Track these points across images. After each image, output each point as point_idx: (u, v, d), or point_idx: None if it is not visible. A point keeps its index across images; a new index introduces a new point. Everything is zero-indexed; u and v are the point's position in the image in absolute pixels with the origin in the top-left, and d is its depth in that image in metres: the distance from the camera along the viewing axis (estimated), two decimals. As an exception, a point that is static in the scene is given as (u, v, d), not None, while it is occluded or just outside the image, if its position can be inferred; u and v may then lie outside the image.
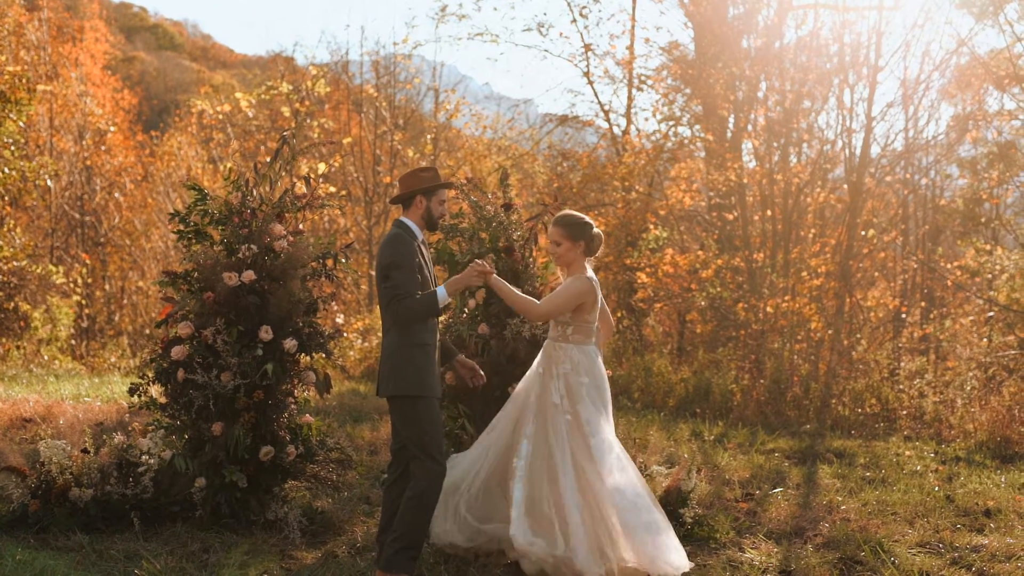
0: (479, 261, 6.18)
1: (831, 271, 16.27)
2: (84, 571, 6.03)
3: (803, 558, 6.85)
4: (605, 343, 6.79)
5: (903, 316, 17.66)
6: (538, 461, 6.32)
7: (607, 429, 6.41)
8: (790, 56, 17.40)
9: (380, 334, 6.94)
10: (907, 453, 11.40)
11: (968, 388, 14.01)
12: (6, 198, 18.46)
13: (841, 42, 16.53)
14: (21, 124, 16.45)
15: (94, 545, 6.49)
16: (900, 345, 16.54)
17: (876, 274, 19.14)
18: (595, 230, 6.56)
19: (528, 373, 6.63)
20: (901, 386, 14.49)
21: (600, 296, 6.59)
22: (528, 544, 6.08)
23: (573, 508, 6.15)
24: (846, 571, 6.68)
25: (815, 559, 6.81)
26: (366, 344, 18.52)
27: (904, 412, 13.74)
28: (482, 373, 6.68)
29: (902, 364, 15.47)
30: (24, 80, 16.01)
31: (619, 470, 6.30)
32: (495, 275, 6.25)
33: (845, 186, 16.92)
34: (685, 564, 6.27)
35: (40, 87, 19.74)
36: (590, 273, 6.52)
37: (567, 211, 6.70)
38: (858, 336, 16.53)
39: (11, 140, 16.18)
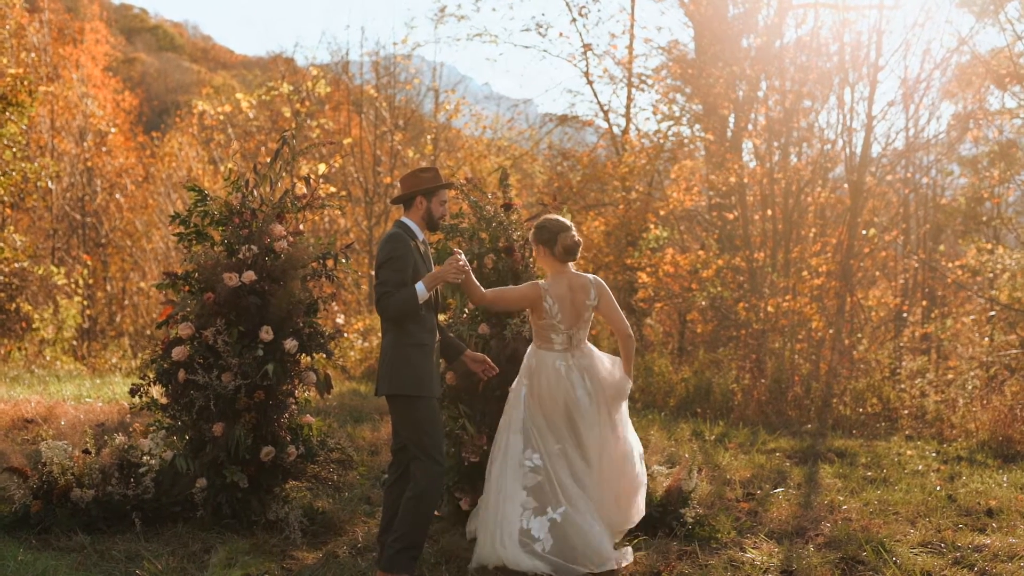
0: (458, 253, 6.21)
1: (832, 270, 16.27)
2: (86, 572, 6.04)
3: (805, 558, 6.85)
4: (624, 350, 6.76)
5: (904, 315, 17.66)
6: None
7: (518, 437, 6.54)
8: (790, 55, 17.40)
9: (380, 334, 6.93)
10: (909, 453, 11.40)
11: (970, 387, 14.01)
12: (7, 200, 18.49)
13: (841, 41, 16.53)
14: (23, 126, 16.45)
15: (96, 546, 6.49)
16: (901, 344, 16.54)
17: (877, 273, 19.14)
18: (559, 235, 6.58)
19: None
20: (902, 385, 14.49)
21: (586, 302, 6.64)
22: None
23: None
24: (848, 571, 6.67)
25: (817, 559, 6.81)
26: (367, 344, 18.53)
27: (905, 412, 13.74)
28: (493, 364, 6.72)
29: (903, 363, 15.47)
30: (25, 83, 16.01)
31: (513, 476, 6.47)
32: (470, 273, 6.36)
33: (846, 185, 16.91)
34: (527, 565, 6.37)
35: (41, 89, 19.75)
36: (559, 279, 6.63)
37: (547, 215, 6.77)
38: (859, 335, 16.53)
39: (12, 142, 16.19)
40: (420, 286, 6.04)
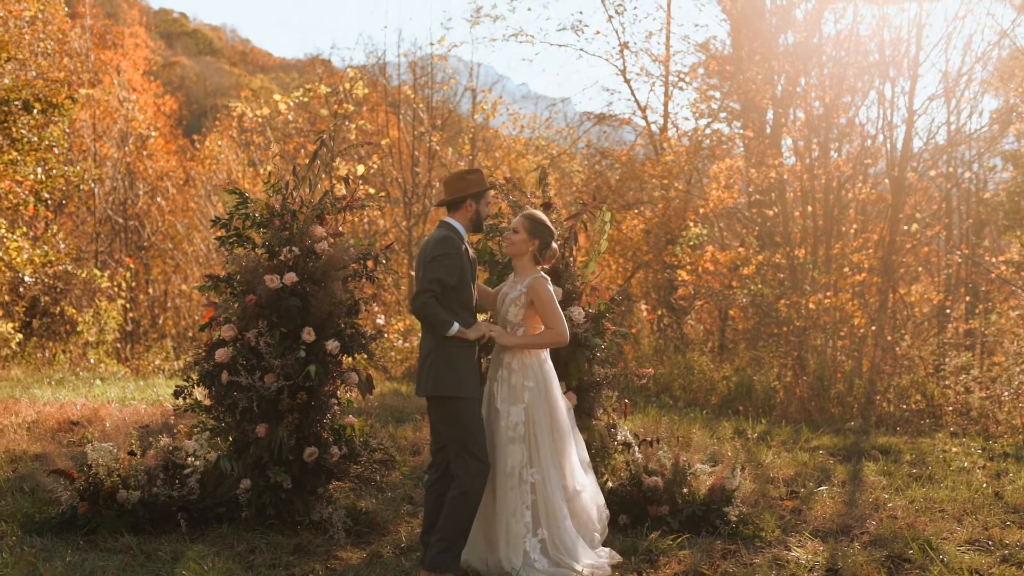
0: (492, 327, 6.26)
1: (874, 266, 16.13)
2: (132, 572, 6.09)
3: (850, 556, 6.79)
4: None
5: (947, 311, 17.48)
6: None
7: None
8: (829, 50, 17.27)
9: (420, 334, 6.91)
10: (954, 450, 11.29)
11: (1015, 383, 13.85)
12: (50, 203, 18.71)
13: (880, 36, 16.38)
14: (65, 129, 16.64)
15: (142, 546, 6.55)
16: (945, 340, 16.37)
17: (919, 269, 18.96)
18: (553, 242, 6.51)
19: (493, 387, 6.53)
20: (947, 382, 14.34)
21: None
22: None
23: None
24: (894, 569, 6.62)
25: (862, 557, 6.75)
26: (407, 345, 18.57)
27: (950, 408, 13.60)
28: None
29: (947, 360, 15.32)
30: (66, 86, 16.20)
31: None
32: (503, 336, 6.32)
33: (887, 181, 16.77)
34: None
35: (82, 91, 19.94)
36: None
37: (537, 212, 6.63)
38: (902, 332, 16.38)
39: (55, 144, 16.37)
40: (456, 326, 6.03)
